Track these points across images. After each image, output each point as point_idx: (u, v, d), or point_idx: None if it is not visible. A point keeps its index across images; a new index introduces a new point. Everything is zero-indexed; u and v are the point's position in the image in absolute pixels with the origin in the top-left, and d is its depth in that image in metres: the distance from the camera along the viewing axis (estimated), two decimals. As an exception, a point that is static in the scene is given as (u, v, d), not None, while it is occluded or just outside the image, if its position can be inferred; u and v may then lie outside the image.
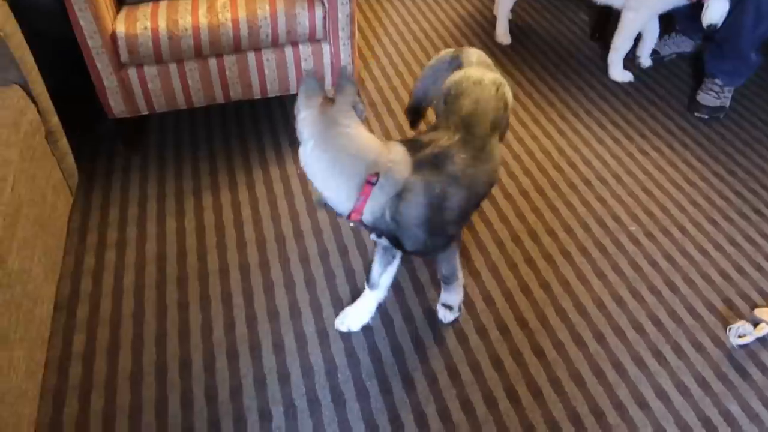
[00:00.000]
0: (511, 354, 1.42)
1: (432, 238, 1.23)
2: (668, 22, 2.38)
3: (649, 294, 1.56)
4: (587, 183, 1.88)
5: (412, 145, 1.22)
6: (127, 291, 1.55)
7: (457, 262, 1.41)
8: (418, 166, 1.18)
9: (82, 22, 1.64)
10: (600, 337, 1.46)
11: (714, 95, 2.13)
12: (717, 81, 2.14)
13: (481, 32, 2.56)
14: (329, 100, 1.18)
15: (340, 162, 1.13)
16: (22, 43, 1.46)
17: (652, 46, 2.35)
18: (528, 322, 1.49)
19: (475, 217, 1.75)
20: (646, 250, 1.68)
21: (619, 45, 2.24)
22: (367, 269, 1.45)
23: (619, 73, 2.30)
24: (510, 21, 2.53)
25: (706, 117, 2.14)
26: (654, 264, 1.64)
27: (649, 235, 1.72)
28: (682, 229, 1.74)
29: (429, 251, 1.31)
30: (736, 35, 2.00)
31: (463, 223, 1.38)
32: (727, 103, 2.15)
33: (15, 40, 1.43)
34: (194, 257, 1.64)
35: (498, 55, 2.44)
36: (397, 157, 1.18)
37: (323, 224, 1.73)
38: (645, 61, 2.38)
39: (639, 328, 1.48)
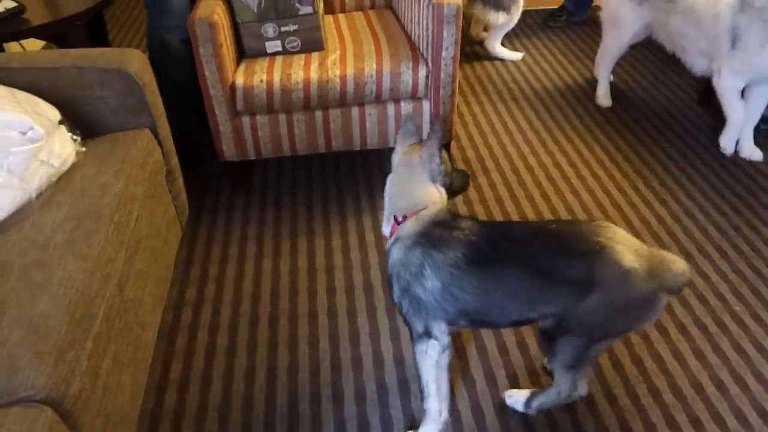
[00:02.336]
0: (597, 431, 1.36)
1: (398, 300, 1.24)
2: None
3: (754, 381, 1.46)
4: (688, 255, 1.80)
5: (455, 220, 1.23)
6: (223, 325, 1.64)
7: (422, 370, 1.29)
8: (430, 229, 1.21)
9: (207, 73, 1.80)
10: (696, 423, 1.37)
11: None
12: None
13: (582, 95, 2.55)
14: (418, 146, 1.30)
15: (397, 195, 1.29)
16: (155, 91, 1.62)
17: (749, 130, 2.19)
18: (617, 399, 1.43)
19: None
20: (751, 332, 1.57)
21: (728, 112, 2.14)
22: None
23: (748, 148, 2.19)
24: (611, 83, 2.52)
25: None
26: (761, 349, 1.53)
27: (756, 317, 1.61)
28: (795, 314, 1.62)
29: (400, 312, 1.27)
30: None
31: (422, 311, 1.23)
32: None
33: (150, 88, 1.59)
34: (286, 299, 1.70)
35: (597, 118, 2.42)
36: (428, 213, 1.23)
37: (411, 276, 1.75)
38: (748, 151, 2.20)
39: (742, 418, 1.38)
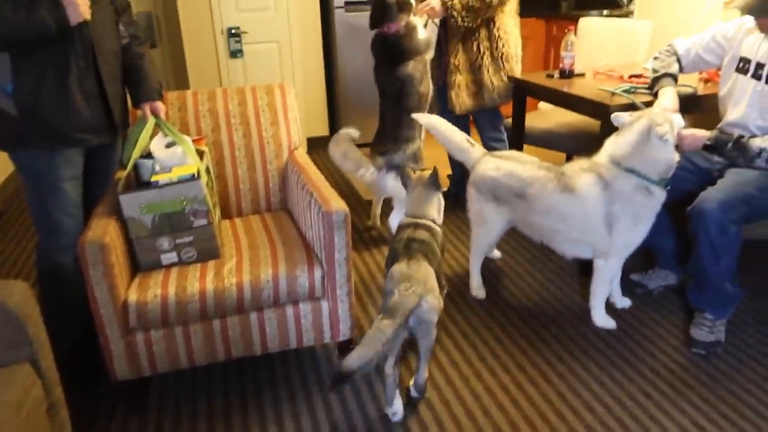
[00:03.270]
0: None
1: None
2: (650, 256, 2.53)
3: None
4: (590, 430, 1.82)
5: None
6: None
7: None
8: None
9: (97, 294, 1.77)
10: None
11: (707, 330, 2.17)
12: (706, 315, 2.19)
13: (462, 286, 2.68)
14: (425, 172, 2.08)
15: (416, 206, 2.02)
16: (38, 322, 1.55)
17: (618, 289, 2.44)
18: None
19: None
20: None
21: (596, 290, 2.31)
22: None
23: (601, 318, 2.33)
24: (488, 269, 2.62)
25: (704, 352, 2.15)
26: None
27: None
28: (700, 483, 1.64)
29: None
30: (704, 272, 2.10)
31: None
32: (722, 337, 2.18)
33: (32, 319, 1.52)
34: None
35: (477, 309, 2.47)
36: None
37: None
38: (620, 302, 2.43)
39: None
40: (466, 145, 2.43)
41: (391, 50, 2.68)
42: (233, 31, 4.10)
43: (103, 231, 1.78)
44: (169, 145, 2.02)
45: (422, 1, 2.85)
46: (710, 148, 2.10)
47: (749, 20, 2.17)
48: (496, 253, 2.83)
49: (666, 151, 2.00)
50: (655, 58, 2.43)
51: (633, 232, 2.14)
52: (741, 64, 2.19)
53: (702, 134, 2.09)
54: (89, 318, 1.82)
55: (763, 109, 2.11)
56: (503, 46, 2.94)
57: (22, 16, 1.68)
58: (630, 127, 2.06)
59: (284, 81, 4.31)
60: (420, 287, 1.71)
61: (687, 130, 2.10)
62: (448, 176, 3.49)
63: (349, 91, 4.44)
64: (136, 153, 1.97)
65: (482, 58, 2.95)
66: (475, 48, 2.94)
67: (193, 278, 1.89)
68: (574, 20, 3.96)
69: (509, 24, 2.96)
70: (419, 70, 2.71)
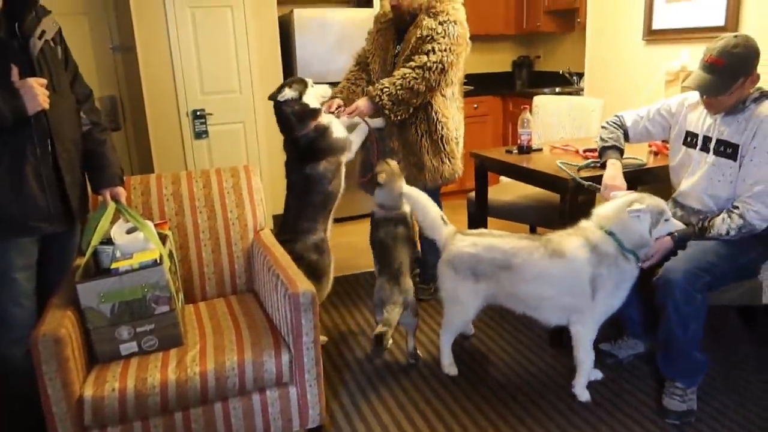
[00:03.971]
0: None
1: None
2: (619, 326, 2.54)
3: None
4: None
5: None
6: None
7: None
8: None
9: (50, 391, 1.67)
10: None
11: (678, 399, 2.16)
12: (677, 384, 2.19)
13: (433, 363, 2.62)
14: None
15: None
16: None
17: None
18: None
19: None
20: None
21: (583, 358, 2.28)
22: None
23: (581, 388, 2.29)
24: (458, 345, 2.57)
25: (678, 422, 2.13)
26: None
27: None
28: None
29: None
30: (673, 341, 2.12)
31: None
32: (694, 406, 2.17)
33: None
34: None
35: (450, 387, 2.41)
36: None
37: None
38: (592, 374, 2.39)
39: None
40: (440, 222, 2.45)
41: (302, 151, 2.59)
42: (198, 113, 4.15)
43: (59, 323, 1.70)
44: (130, 231, 1.99)
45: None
46: (675, 244, 2.17)
47: (691, 96, 2.30)
48: (470, 329, 2.80)
49: (640, 226, 2.08)
50: (603, 128, 2.53)
51: (614, 297, 2.18)
52: (689, 139, 2.30)
53: (666, 241, 2.16)
54: (41, 415, 1.71)
55: (713, 179, 2.21)
56: (442, 128, 2.90)
57: None
58: (619, 199, 2.17)
59: (250, 160, 4.34)
60: (401, 300, 2.39)
61: (653, 248, 2.16)
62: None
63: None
64: (95, 239, 1.92)
65: (421, 140, 2.89)
66: (413, 131, 2.89)
67: (154, 369, 1.81)
68: (529, 97, 4.15)
69: (451, 107, 2.95)
70: (330, 170, 2.61)
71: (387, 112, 2.71)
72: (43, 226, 1.88)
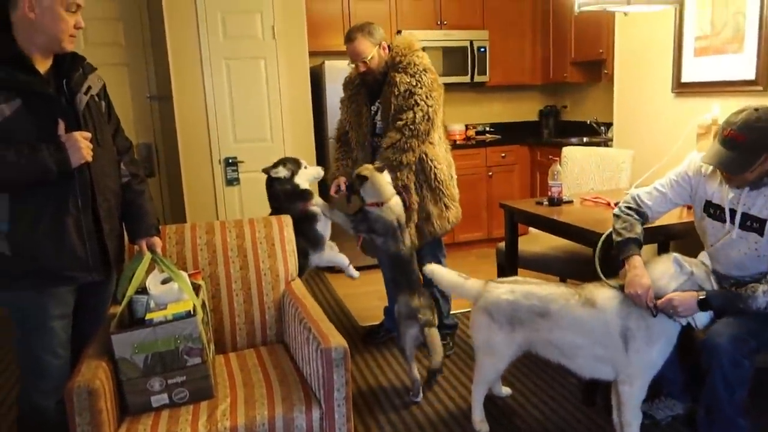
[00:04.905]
0: None
1: None
2: (657, 386, 2.46)
3: None
4: None
5: None
6: None
7: None
8: None
9: (82, 445, 1.67)
10: None
11: (720, 465, 2.07)
12: (718, 449, 2.10)
13: (461, 417, 2.56)
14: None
15: None
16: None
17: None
18: None
19: None
20: None
21: (630, 420, 2.19)
22: None
23: None
24: (488, 400, 2.52)
25: (718, 490, 2.04)
26: None
27: None
28: None
29: None
30: (716, 406, 2.04)
31: None
32: (735, 471, 2.08)
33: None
34: None
35: None
36: None
37: None
38: None
39: None
40: (460, 280, 2.44)
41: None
42: (230, 161, 4.24)
43: (93, 374, 1.71)
44: (165, 281, 2.01)
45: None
46: (704, 303, 2.02)
47: (708, 165, 2.18)
48: (505, 390, 2.73)
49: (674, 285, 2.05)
50: (616, 216, 2.32)
51: (648, 353, 2.11)
52: (711, 210, 2.21)
53: (691, 295, 2.03)
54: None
55: (740, 251, 2.13)
56: (438, 175, 2.93)
57: (25, 159, 1.71)
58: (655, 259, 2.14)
59: (278, 207, 4.39)
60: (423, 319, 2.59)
61: (676, 294, 2.04)
62: (385, 309, 3.38)
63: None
64: (130, 290, 1.94)
65: (421, 191, 2.93)
66: (411, 186, 2.91)
67: (185, 422, 1.80)
68: (557, 146, 4.16)
69: (439, 151, 2.96)
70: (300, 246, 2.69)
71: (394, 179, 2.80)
72: (80, 276, 1.90)
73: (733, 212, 2.14)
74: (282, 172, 2.77)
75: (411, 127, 2.77)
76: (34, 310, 1.86)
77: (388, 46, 2.89)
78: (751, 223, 2.09)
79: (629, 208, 2.32)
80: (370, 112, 2.98)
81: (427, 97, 2.79)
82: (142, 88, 4.52)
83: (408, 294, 2.63)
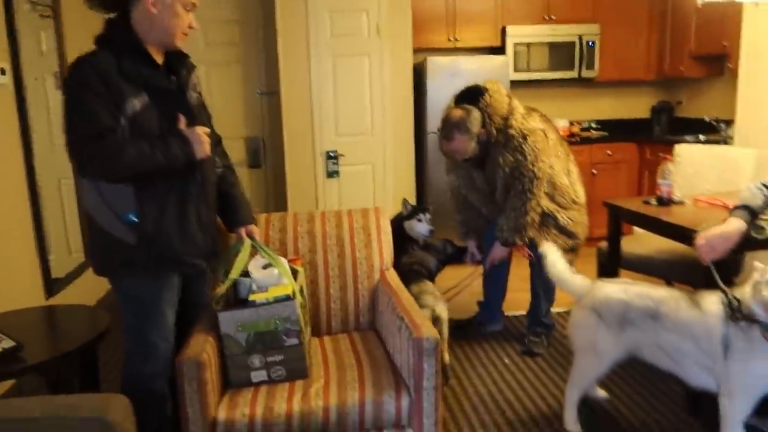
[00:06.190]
0: None
1: None
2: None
3: None
4: None
5: None
6: None
7: None
8: None
9: (189, 410, 1.80)
10: None
11: None
12: None
13: (552, 418, 2.48)
14: None
15: None
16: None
17: None
18: None
19: None
20: None
21: None
22: None
23: None
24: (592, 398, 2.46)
25: None
26: None
27: None
28: None
29: None
30: None
31: None
32: None
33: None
34: None
35: None
36: None
37: None
38: None
39: None
40: (570, 273, 2.38)
41: None
42: (331, 154, 4.37)
43: (201, 348, 1.85)
44: (265, 267, 2.10)
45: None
46: None
47: None
48: (602, 394, 2.63)
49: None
50: (747, 189, 2.22)
51: (746, 369, 1.95)
52: None
53: None
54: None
55: None
56: (558, 218, 2.96)
57: (159, 152, 1.81)
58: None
59: (376, 200, 4.48)
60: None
61: None
62: (478, 303, 3.42)
63: (440, 210, 4.52)
64: (235, 271, 2.04)
65: (549, 234, 2.96)
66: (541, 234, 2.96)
67: (281, 398, 1.89)
68: (669, 144, 3.92)
69: (558, 171, 2.94)
70: None
71: (520, 241, 2.91)
72: (198, 263, 2.01)
73: None
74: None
75: (527, 194, 2.82)
76: (150, 296, 1.95)
77: (484, 117, 2.82)
78: None
79: (764, 185, 2.18)
80: (483, 176, 3.00)
81: (533, 165, 2.80)
82: (253, 85, 4.77)
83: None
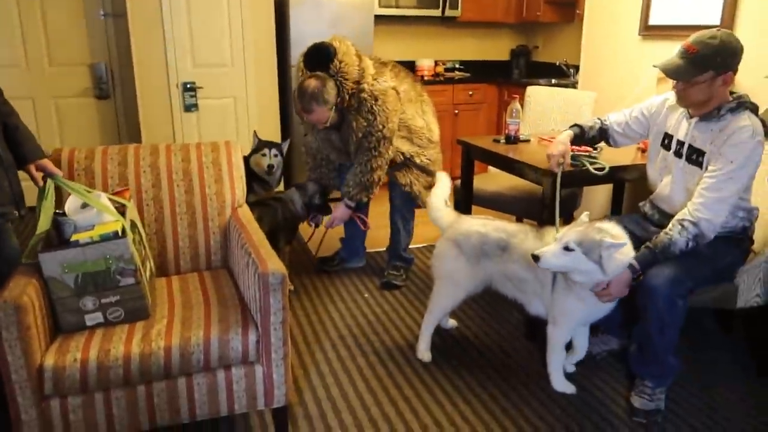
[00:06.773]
0: None
1: None
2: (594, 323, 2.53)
3: None
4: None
5: None
6: None
7: None
8: None
9: (9, 358, 1.65)
10: None
11: (647, 398, 2.16)
12: (647, 383, 2.19)
13: (406, 348, 2.62)
14: None
15: None
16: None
17: (580, 357, 2.41)
18: None
19: None
20: None
21: (550, 358, 2.30)
22: None
23: (560, 384, 2.30)
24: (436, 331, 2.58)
25: (644, 421, 2.13)
26: None
27: None
28: None
29: None
30: (648, 344, 2.11)
31: None
32: (662, 405, 2.17)
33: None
34: None
35: (423, 375, 2.41)
36: None
37: None
38: (569, 366, 2.42)
39: None
40: (443, 203, 2.48)
41: None
42: (188, 86, 4.10)
43: (21, 291, 1.67)
44: (84, 206, 1.91)
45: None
46: (636, 272, 2.04)
47: (673, 96, 2.23)
48: (452, 323, 2.79)
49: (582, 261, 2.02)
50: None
51: (566, 300, 2.16)
52: (665, 141, 2.26)
53: (623, 277, 2.03)
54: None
55: (685, 186, 2.15)
56: (416, 156, 3.06)
57: None
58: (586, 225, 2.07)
59: (239, 135, 4.30)
60: None
61: (612, 287, 2.03)
62: (341, 239, 3.48)
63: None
64: (43, 223, 1.83)
65: (409, 175, 3.08)
66: (400, 177, 3.08)
67: (118, 341, 1.79)
68: (524, 86, 4.11)
69: (412, 115, 3.03)
70: None
71: (366, 198, 3.03)
72: (8, 211, 1.83)
73: (681, 144, 2.17)
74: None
75: (373, 151, 2.88)
76: None
77: (337, 84, 2.77)
78: (696, 156, 2.11)
79: (599, 118, 2.50)
80: (340, 137, 2.99)
81: (383, 126, 2.84)
82: (95, 5, 4.29)
83: None
